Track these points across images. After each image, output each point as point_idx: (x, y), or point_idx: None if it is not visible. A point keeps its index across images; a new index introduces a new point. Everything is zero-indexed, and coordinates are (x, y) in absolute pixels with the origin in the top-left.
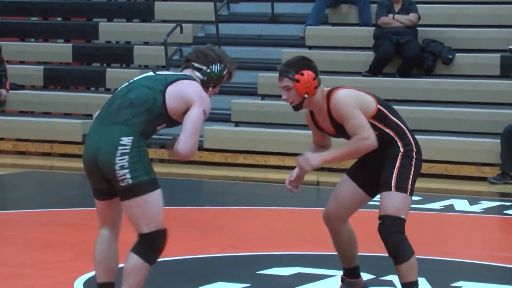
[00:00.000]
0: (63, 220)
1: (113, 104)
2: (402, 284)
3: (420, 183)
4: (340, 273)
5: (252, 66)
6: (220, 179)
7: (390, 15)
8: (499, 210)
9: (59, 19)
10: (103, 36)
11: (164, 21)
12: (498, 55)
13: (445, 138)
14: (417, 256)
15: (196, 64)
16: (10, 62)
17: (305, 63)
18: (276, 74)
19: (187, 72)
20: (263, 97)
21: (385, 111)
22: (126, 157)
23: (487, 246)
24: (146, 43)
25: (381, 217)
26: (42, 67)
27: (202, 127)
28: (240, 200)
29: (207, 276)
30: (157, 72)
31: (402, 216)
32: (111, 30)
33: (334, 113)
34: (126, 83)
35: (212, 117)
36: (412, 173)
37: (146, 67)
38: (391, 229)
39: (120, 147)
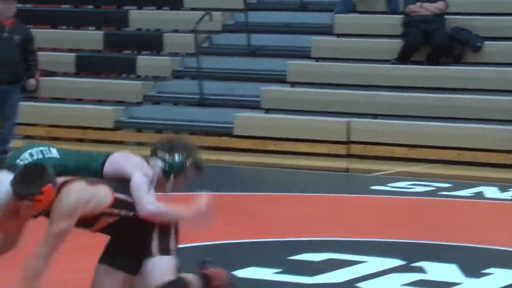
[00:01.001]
0: None
1: None
2: None
3: (449, 171)
4: (372, 259)
5: (281, 54)
6: (250, 165)
7: (418, 3)
8: None
9: (90, 6)
10: (133, 23)
11: (193, 9)
12: None
13: (474, 126)
14: (447, 243)
15: (160, 153)
16: (43, 49)
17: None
18: (306, 62)
19: (151, 160)
20: (293, 84)
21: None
22: None
23: None
24: (176, 31)
25: None
26: (74, 54)
27: (233, 115)
28: (270, 186)
29: (239, 261)
30: None
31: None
32: (141, 18)
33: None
34: None
35: (243, 104)
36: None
37: (176, 54)
38: None
39: None
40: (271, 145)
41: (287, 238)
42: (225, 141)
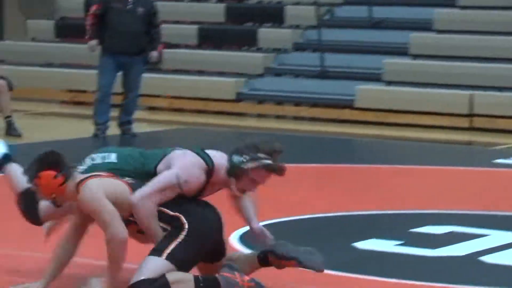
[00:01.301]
0: None
1: None
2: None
3: None
4: (495, 232)
5: (403, 26)
6: (371, 137)
7: None
8: None
9: None
10: None
11: None
12: None
13: None
14: None
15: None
16: (165, 21)
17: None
18: (428, 34)
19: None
20: (415, 56)
21: None
22: None
23: None
24: (297, 3)
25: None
26: (196, 26)
27: (355, 87)
28: (391, 158)
29: (361, 233)
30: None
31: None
32: None
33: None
34: None
35: (364, 76)
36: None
37: (297, 26)
38: None
39: None
40: (392, 118)
41: (409, 210)
42: (346, 114)
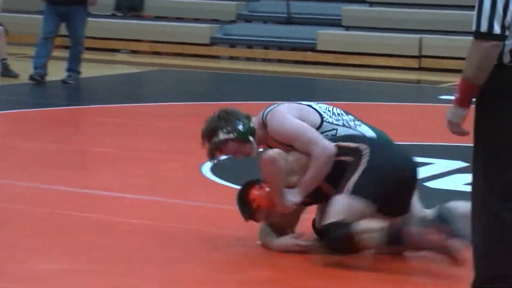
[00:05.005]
0: (193, 113)
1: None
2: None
3: None
4: (438, 161)
5: None
6: (331, 77)
7: None
8: None
9: None
10: None
11: None
12: None
13: None
14: None
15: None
16: None
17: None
18: None
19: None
20: (371, 4)
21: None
22: None
23: None
24: None
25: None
26: None
27: (317, 32)
28: (349, 96)
29: None
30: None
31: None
32: None
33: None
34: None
35: (325, 22)
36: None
37: None
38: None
39: None
40: (350, 59)
41: None
42: (309, 56)
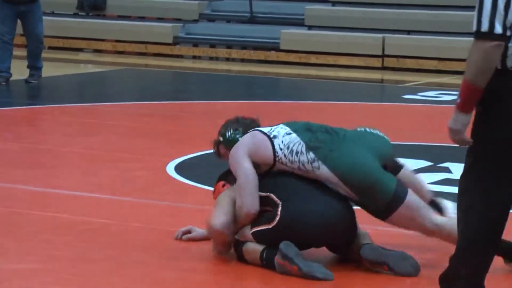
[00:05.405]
0: (157, 112)
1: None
2: None
3: None
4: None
5: None
6: (294, 77)
7: None
8: None
9: None
10: None
11: None
12: None
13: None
14: None
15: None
16: None
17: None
18: None
19: None
20: (334, 3)
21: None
22: None
23: None
24: None
25: None
26: None
27: (280, 31)
28: (312, 95)
29: None
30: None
31: None
32: None
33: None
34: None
35: (288, 21)
36: None
37: None
38: None
39: None
40: (313, 59)
41: None
42: (272, 55)
